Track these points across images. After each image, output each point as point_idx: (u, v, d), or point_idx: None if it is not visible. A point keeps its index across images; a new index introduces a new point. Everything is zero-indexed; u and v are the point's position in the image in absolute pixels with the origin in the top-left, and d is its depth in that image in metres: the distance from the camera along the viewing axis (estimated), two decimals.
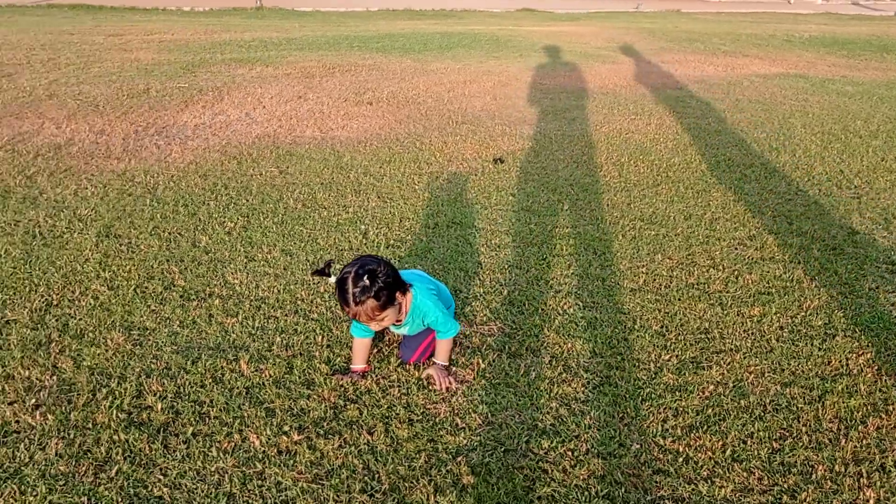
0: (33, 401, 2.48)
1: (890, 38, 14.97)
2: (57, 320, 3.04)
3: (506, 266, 3.69)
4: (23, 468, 2.17)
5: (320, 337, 2.95)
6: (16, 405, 2.46)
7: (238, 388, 2.59)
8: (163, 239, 3.90)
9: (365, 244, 3.88)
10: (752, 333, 3.09)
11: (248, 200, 4.52)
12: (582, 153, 5.87)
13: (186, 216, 4.23)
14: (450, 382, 2.64)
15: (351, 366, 2.71)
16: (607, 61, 11.03)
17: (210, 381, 2.63)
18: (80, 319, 3.05)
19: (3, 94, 7.42)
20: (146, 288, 3.34)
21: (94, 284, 3.35)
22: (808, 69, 10.77)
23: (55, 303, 3.19)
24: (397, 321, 2.61)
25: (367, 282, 2.37)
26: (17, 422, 2.38)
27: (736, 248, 3.99)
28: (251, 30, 14.01)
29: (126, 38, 12.03)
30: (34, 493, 2.07)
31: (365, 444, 2.32)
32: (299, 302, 3.26)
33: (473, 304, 3.27)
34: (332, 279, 2.50)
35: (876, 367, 2.83)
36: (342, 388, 2.60)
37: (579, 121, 7.05)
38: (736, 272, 3.68)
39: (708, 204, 4.70)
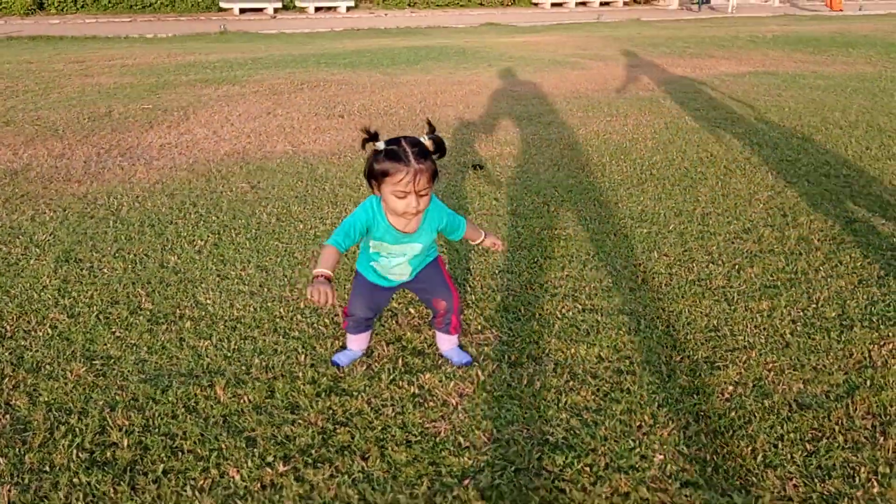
0: None
1: (853, 35, 15.08)
2: (11, 353, 2.76)
3: (497, 271, 3.47)
4: None
5: (303, 356, 2.70)
6: None
7: (214, 416, 2.34)
8: (128, 261, 3.63)
9: (347, 256, 3.64)
10: (765, 328, 2.90)
11: (218, 217, 4.27)
12: (561, 156, 5.69)
13: (153, 236, 3.97)
14: (502, 241, 2.97)
15: (315, 270, 2.32)
16: (576, 67, 10.92)
17: (182, 410, 2.38)
18: (37, 351, 2.77)
19: None
20: (110, 314, 3.07)
21: (53, 312, 3.08)
22: (776, 66, 10.75)
23: (9, 335, 2.90)
24: (417, 211, 2.35)
25: (424, 145, 2.30)
26: None
27: (733, 243, 3.82)
28: (216, 52, 13.74)
29: (86, 64, 11.70)
30: None
31: (359, 471, 2.08)
32: (278, 320, 3.01)
33: (467, 312, 3.05)
34: (381, 144, 2.30)
35: None
36: (330, 411, 2.35)
37: (555, 125, 6.89)
38: (737, 266, 3.51)
39: (697, 199, 4.54)
